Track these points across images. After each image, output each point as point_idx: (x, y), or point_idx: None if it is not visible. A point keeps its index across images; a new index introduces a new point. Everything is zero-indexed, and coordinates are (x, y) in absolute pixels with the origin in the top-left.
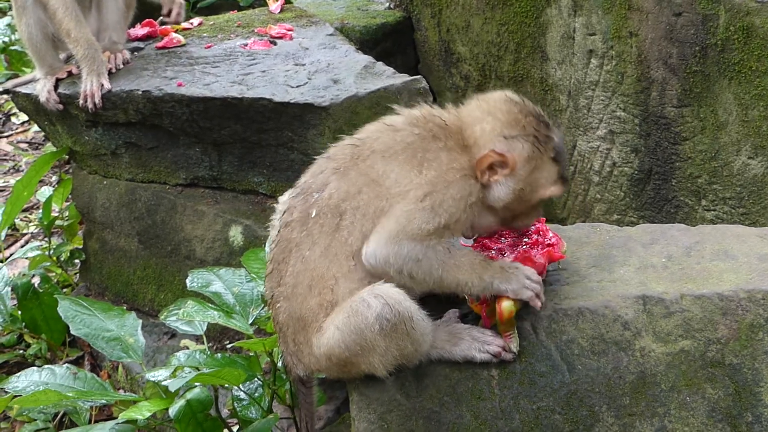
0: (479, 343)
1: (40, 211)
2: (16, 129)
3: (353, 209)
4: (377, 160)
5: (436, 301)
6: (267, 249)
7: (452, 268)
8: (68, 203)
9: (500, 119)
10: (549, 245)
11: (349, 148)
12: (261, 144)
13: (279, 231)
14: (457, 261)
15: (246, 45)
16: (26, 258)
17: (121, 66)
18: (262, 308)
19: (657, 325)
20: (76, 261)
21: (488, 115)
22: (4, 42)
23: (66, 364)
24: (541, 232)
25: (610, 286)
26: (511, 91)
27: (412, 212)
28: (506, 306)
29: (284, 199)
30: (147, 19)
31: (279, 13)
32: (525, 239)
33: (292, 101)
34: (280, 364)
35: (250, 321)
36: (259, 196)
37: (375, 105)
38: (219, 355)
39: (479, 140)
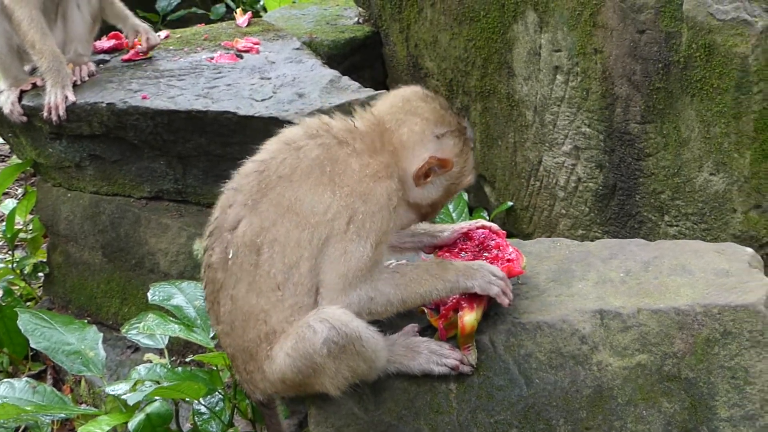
0: (437, 356)
1: (4, 223)
2: None
3: (270, 242)
4: (285, 187)
5: (396, 316)
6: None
7: (408, 285)
8: (32, 216)
9: (427, 118)
10: (509, 260)
11: (254, 176)
12: (226, 157)
13: (205, 272)
14: (410, 277)
15: (212, 58)
16: None
17: (86, 78)
18: None
19: (614, 339)
20: (40, 274)
21: (412, 115)
22: None
23: (25, 378)
24: (501, 248)
25: (569, 300)
26: (416, 86)
27: (345, 250)
28: (468, 320)
29: (203, 238)
30: (113, 32)
31: (246, 26)
32: (485, 254)
33: (256, 115)
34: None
35: (212, 334)
36: None
37: None
38: (180, 368)
39: (408, 143)
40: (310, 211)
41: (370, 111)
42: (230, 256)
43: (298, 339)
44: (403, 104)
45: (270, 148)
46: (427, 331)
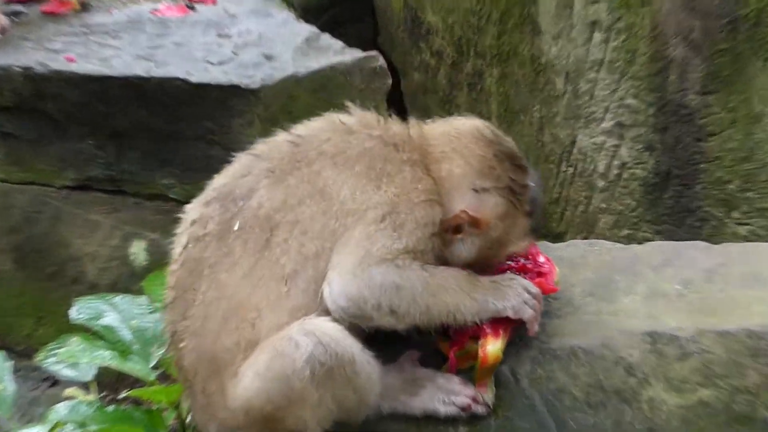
0: (444, 393)
1: None
2: None
3: (290, 223)
4: (326, 165)
5: (389, 341)
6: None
7: (438, 290)
8: None
9: (471, 164)
10: (540, 274)
11: (287, 146)
12: (173, 136)
13: (185, 248)
14: (440, 280)
15: (156, 10)
16: None
17: None
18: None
19: (670, 369)
20: None
21: (457, 154)
22: None
23: None
24: (530, 256)
25: (611, 319)
26: (482, 122)
27: (373, 234)
28: (492, 350)
29: (192, 206)
30: None
31: None
32: (509, 262)
33: (212, 82)
34: (189, 419)
35: (153, 363)
36: (170, 203)
37: (319, 88)
38: (111, 407)
39: (446, 183)
40: (347, 198)
41: (422, 126)
42: (235, 228)
43: (274, 354)
44: (454, 137)
45: (312, 125)
46: (431, 360)
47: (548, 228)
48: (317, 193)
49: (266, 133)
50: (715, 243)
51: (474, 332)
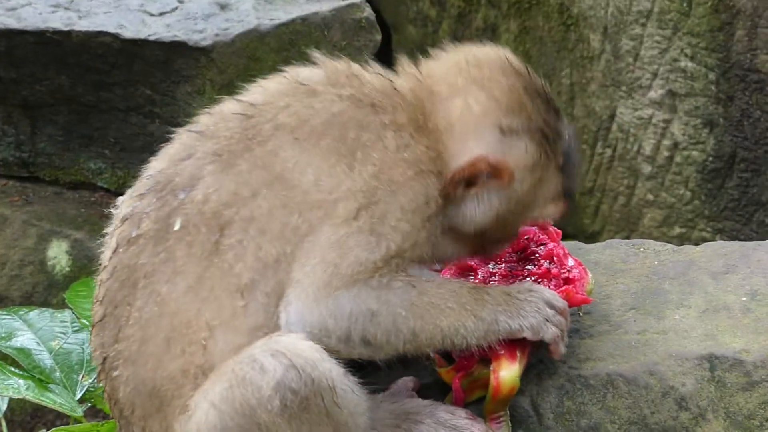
0: (447, 430)
1: None
2: None
3: (244, 221)
4: (285, 143)
5: (379, 362)
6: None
7: (429, 311)
8: None
9: (496, 98)
10: (567, 281)
11: (237, 120)
12: (100, 108)
13: (116, 252)
14: (433, 297)
15: None
16: None
17: None
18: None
19: (732, 402)
20: None
21: (476, 86)
22: None
23: None
24: (555, 257)
25: (659, 339)
26: (509, 50)
27: (344, 241)
28: (507, 376)
29: (124, 199)
30: None
31: None
32: (528, 267)
33: (151, 38)
34: None
35: (80, 395)
36: (98, 193)
37: (287, 46)
38: None
39: (457, 125)
40: (311, 185)
41: (420, 67)
42: (176, 228)
43: (235, 381)
44: (472, 68)
45: (268, 86)
46: (431, 389)
47: (580, 225)
48: (275, 180)
49: (219, 102)
50: None
51: (484, 354)
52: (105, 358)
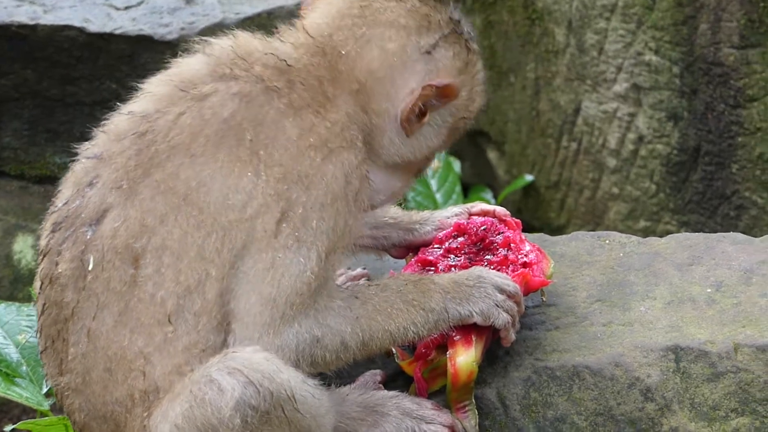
0: (414, 421)
1: None
2: None
3: (156, 250)
4: (182, 163)
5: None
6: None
7: (375, 318)
8: None
9: (404, 24)
10: (525, 264)
11: (131, 140)
12: (66, 102)
13: (42, 288)
14: (378, 304)
15: None
16: None
17: None
18: None
19: (697, 393)
20: None
21: (378, 25)
22: None
23: None
24: (512, 244)
25: (624, 331)
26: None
27: (273, 263)
28: (464, 362)
29: (43, 230)
30: None
31: None
32: (487, 256)
33: (117, 32)
34: None
35: (46, 389)
36: None
37: None
38: None
39: (381, 72)
40: (221, 205)
41: (303, 28)
42: (89, 267)
43: (193, 402)
44: (357, 9)
45: (156, 92)
46: (397, 380)
47: (546, 218)
48: (182, 203)
49: None
50: (756, 236)
51: (440, 340)
52: (56, 386)
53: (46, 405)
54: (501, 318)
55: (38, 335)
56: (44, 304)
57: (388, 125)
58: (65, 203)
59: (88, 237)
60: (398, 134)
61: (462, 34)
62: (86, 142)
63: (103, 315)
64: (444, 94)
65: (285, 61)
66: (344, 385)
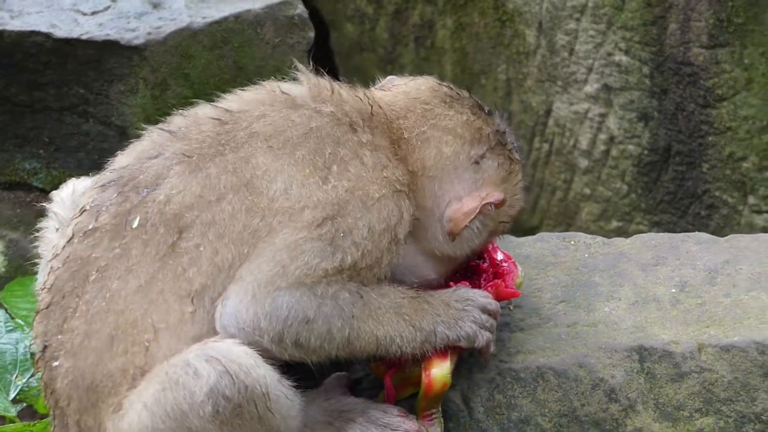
0: (378, 429)
1: None
2: None
3: (204, 225)
4: (258, 150)
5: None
6: (40, 276)
7: (367, 320)
8: None
9: (461, 134)
10: (496, 275)
11: (211, 125)
12: (34, 107)
13: (70, 242)
14: (373, 309)
15: None
16: None
17: None
18: (33, 373)
19: (661, 393)
20: None
21: (439, 129)
22: None
23: None
24: (485, 254)
25: (589, 332)
26: (429, 77)
27: (299, 244)
28: (438, 374)
29: (81, 186)
30: None
31: None
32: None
33: (84, 37)
34: None
35: (13, 395)
36: (33, 193)
37: (220, 44)
38: None
39: (436, 171)
40: (279, 194)
41: (375, 98)
42: (134, 225)
43: (168, 384)
44: (419, 105)
45: (246, 95)
46: (362, 383)
47: (518, 219)
48: (243, 186)
49: (154, 101)
50: (726, 235)
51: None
52: (46, 347)
53: (13, 411)
54: (484, 339)
55: (44, 291)
56: (67, 257)
57: (430, 222)
58: (123, 167)
59: (140, 198)
60: (441, 233)
61: (506, 145)
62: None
63: (129, 278)
64: (498, 206)
65: (369, 106)
66: (311, 388)
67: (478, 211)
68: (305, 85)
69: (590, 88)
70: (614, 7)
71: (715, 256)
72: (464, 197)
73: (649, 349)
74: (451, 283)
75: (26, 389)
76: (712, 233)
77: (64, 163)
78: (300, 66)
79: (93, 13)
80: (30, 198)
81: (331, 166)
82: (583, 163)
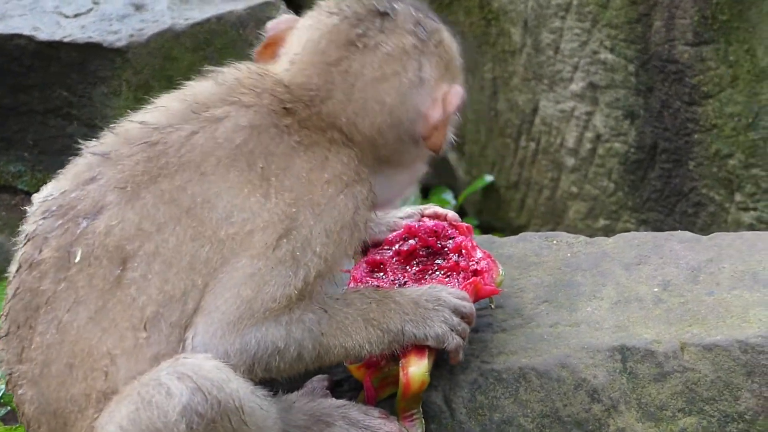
0: (359, 431)
1: None
2: None
3: (148, 256)
4: (192, 178)
5: None
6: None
7: (335, 333)
8: None
9: (390, 73)
10: (475, 273)
11: (141, 148)
12: (18, 110)
13: (19, 271)
14: (340, 320)
15: None
16: None
17: None
18: None
19: (644, 393)
20: None
21: (366, 87)
22: None
23: None
24: (464, 250)
25: (571, 332)
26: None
27: (261, 275)
28: (416, 372)
29: (39, 197)
30: None
31: None
32: (437, 261)
33: (66, 40)
34: None
35: None
36: (18, 196)
37: (203, 46)
38: None
39: (386, 123)
40: (223, 220)
41: (285, 81)
42: (75, 260)
43: (140, 404)
44: (333, 70)
45: (170, 106)
46: (343, 385)
47: (506, 219)
48: (183, 214)
49: (137, 103)
50: (714, 233)
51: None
52: (11, 374)
53: None
54: (454, 341)
55: (3, 319)
56: (17, 288)
57: (405, 147)
58: (62, 193)
59: (80, 230)
60: (418, 148)
61: (428, 39)
62: (93, 140)
63: (79, 309)
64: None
65: (286, 87)
66: (291, 392)
67: (447, 117)
68: (220, 86)
69: (576, 86)
70: (599, 5)
71: (698, 254)
72: (428, 113)
73: (632, 348)
74: (426, 281)
75: (9, 393)
76: (700, 231)
77: (49, 166)
78: (208, 69)
79: (75, 16)
80: (15, 201)
81: (269, 179)
82: (570, 161)
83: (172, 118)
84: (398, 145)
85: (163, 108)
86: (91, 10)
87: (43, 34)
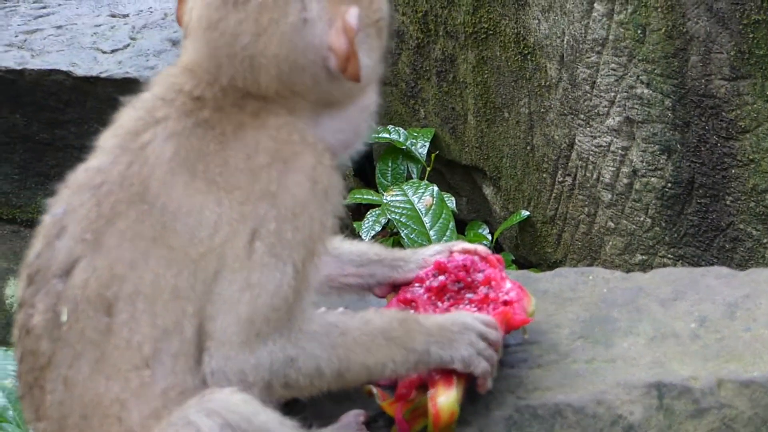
0: None
1: None
2: None
3: (129, 296)
4: (143, 210)
5: (325, 396)
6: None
7: (352, 350)
8: None
9: (264, 25)
10: (505, 303)
11: (89, 194)
12: (55, 146)
13: (19, 339)
14: (355, 337)
15: None
16: None
17: None
18: None
19: (681, 429)
20: None
21: (249, 46)
22: None
23: None
24: (493, 282)
25: (607, 368)
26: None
27: (250, 288)
28: (445, 402)
29: (17, 282)
30: None
31: None
32: (468, 295)
33: (103, 75)
34: None
35: None
36: None
37: None
38: None
39: (286, 73)
40: (189, 241)
41: (185, 65)
42: (63, 319)
43: None
44: (220, 34)
45: (106, 146)
46: (378, 420)
47: (543, 254)
48: (150, 246)
49: None
50: (750, 268)
51: (420, 380)
52: (35, 431)
53: None
54: (481, 366)
55: (17, 381)
56: (21, 353)
57: (329, 87)
58: (37, 256)
59: (60, 289)
60: (343, 82)
61: None
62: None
63: (80, 363)
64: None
65: (197, 94)
66: (326, 426)
67: (352, 43)
68: (136, 111)
69: (612, 121)
70: (635, 40)
71: (735, 290)
72: (332, 46)
73: (668, 384)
74: (452, 308)
75: None
76: (737, 266)
77: None
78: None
79: (113, 51)
80: None
81: (214, 182)
82: (606, 196)
83: (109, 155)
84: (318, 87)
85: (101, 148)
86: (128, 45)
87: (81, 70)
